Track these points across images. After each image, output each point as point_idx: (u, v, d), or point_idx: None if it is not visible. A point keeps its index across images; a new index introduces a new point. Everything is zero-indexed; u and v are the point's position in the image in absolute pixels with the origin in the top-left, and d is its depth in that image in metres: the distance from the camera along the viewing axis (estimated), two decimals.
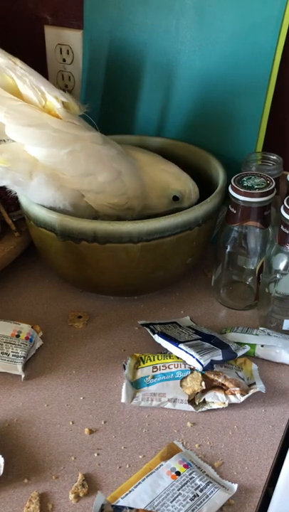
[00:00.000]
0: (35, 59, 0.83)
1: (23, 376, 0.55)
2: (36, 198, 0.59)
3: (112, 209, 0.61)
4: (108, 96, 0.78)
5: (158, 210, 0.64)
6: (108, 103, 0.78)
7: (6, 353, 0.56)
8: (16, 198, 0.61)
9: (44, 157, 0.57)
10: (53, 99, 0.56)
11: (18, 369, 0.55)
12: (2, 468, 0.46)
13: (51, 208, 0.59)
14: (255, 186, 0.58)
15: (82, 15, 0.76)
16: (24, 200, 0.60)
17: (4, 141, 0.58)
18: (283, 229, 0.55)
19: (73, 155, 0.57)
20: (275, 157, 0.66)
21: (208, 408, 0.52)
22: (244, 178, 0.59)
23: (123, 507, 0.39)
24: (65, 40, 0.80)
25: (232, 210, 0.59)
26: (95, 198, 0.60)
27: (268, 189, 0.57)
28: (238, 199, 0.58)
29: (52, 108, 0.56)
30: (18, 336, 0.58)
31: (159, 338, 0.57)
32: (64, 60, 0.82)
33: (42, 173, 0.57)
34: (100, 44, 0.76)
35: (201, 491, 0.44)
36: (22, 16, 0.82)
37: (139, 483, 0.45)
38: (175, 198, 0.64)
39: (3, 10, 0.82)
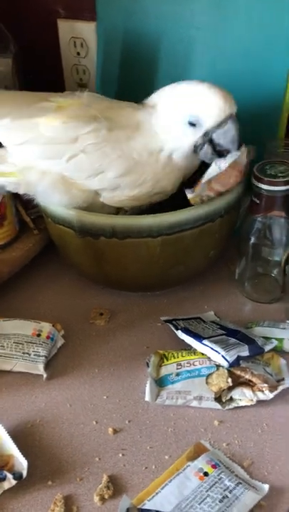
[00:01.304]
0: (50, 53, 0.82)
1: (45, 376, 0.54)
2: (51, 202, 0.58)
3: (135, 201, 0.58)
4: (124, 88, 0.76)
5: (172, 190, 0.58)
6: (124, 95, 0.76)
7: (28, 353, 0.55)
8: None
9: (48, 166, 0.55)
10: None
11: (39, 369, 0.54)
12: (26, 471, 0.45)
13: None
14: (279, 174, 0.55)
15: (94, 6, 0.74)
16: None
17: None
18: None
19: (74, 159, 0.54)
20: None
21: (236, 405, 0.50)
22: (267, 166, 0.57)
23: (149, 510, 0.38)
24: (78, 33, 0.79)
25: (255, 200, 0.57)
26: (111, 196, 0.57)
27: None
28: (261, 188, 0.56)
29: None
30: (39, 335, 0.57)
31: (183, 334, 0.55)
32: (78, 54, 0.80)
33: (49, 180, 0.56)
34: (114, 35, 0.74)
35: (231, 492, 0.42)
36: (34, 10, 0.81)
37: (165, 485, 0.43)
38: (191, 124, 0.55)
39: (16, 5, 0.81)
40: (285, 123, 0.68)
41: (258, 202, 0.57)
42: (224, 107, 0.55)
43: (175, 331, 0.56)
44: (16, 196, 0.70)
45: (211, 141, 0.56)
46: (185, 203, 0.55)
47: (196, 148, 0.56)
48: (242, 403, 0.50)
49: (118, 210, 0.60)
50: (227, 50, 0.68)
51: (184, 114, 0.55)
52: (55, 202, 0.57)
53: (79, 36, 0.79)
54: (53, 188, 0.56)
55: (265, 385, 0.50)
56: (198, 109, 0.54)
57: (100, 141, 0.54)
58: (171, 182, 0.57)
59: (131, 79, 0.76)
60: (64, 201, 0.57)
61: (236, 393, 0.50)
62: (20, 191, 0.58)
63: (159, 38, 0.72)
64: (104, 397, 0.52)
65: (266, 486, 0.44)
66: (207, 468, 0.44)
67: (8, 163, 0.56)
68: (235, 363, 0.51)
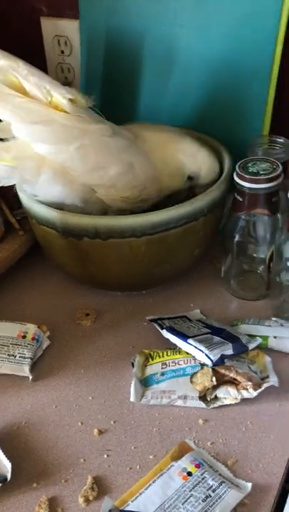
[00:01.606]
0: (34, 53, 0.82)
1: (30, 378, 0.54)
2: (45, 195, 0.57)
3: (125, 203, 0.59)
4: (109, 86, 0.76)
5: (173, 189, 0.62)
6: (109, 93, 0.76)
7: (13, 355, 0.55)
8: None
9: (52, 154, 0.55)
10: (59, 96, 0.54)
11: (25, 371, 0.54)
12: (10, 474, 0.45)
13: (61, 204, 0.57)
14: (261, 172, 0.55)
15: (77, 4, 0.74)
16: (25, 198, 0.59)
17: (8, 139, 0.56)
18: None
19: (82, 150, 0.55)
20: (282, 140, 0.63)
21: (220, 404, 0.51)
22: (249, 164, 0.57)
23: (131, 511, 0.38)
24: (62, 32, 0.78)
25: (238, 197, 0.57)
26: (106, 193, 0.58)
27: (274, 174, 0.55)
28: (243, 186, 0.56)
29: (58, 103, 0.54)
30: (24, 337, 0.57)
31: (168, 333, 0.55)
32: (62, 52, 0.80)
33: (49, 170, 0.55)
34: (97, 33, 0.74)
35: (214, 491, 0.43)
36: (17, 9, 0.80)
37: (149, 486, 0.43)
38: (190, 178, 0.61)
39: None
40: (269, 120, 0.68)
41: (241, 200, 0.57)
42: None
43: (160, 330, 0.56)
44: (1, 197, 0.70)
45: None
46: None
47: None
48: (226, 402, 0.51)
49: (108, 211, 0.60)
50: (210, 47, 0.68)
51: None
52: (53, 194, 0.57)
53: (63, 34, 0.79)
54: (54, 179, 0.56)
55: (250, 383, 0.50)
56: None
57: (107, 138, 0.56)
58: (157, 193, 0.60)
59: (115, 77, 0.75)
60: (63, 193, 0.56)
61: (221, 392, 0.51)
62: (14, 181, 0.56)
63: (142, 35, 0.71)
64: (90, 398, 0.53)
65: (249, 485, 0.44)
66: (191, 468, 0.44)
67: (4, 148, 0.55)
68: (219, 362, 0.51)
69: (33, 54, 0.81)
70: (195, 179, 0.62)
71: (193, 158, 0.61)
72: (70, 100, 0.55)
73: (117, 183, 0.58)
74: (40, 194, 0.58)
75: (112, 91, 0.76)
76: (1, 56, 0.54)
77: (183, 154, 0.61)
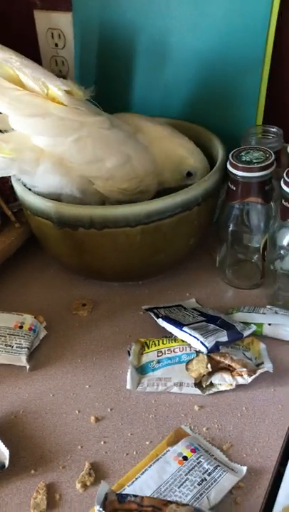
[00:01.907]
0: (28, 46, 0.82)
1: (28, 367, 0.55)
2: (43, 186, 0.58)
3: (122, 194, 0.60)
4: (103, 79, 0.76)
5: (170, 184, 0.63)
6: (103, 86, 0.77)
7: (10, 345, 0.55)
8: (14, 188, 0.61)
9: (50, 146, 0.56)
10: (55, 88, 0.55)
11: (22, 360, 0.55)
12: (8, 461, 0.45)
13: (59, 195, 0.58)
14: (254, 160, 0.56)
15: None
16: (19, 190, 0.60)
17: (7, 131, 0.57)
18: (285, 203, 0.53)
19: (80, 142, 0.56)
20: (275, 129, 0.63)
21: (216, 390, 0.51)
22: (242, 153, 0.57)
23: (127, 495, 0.38)
24: (55, 24, 0.79)
25: (232, 186, 0.58)
26: (104, 185, 0.58)
27: (267, 163, 0.55)
28: (236, 175, 0.56)
29: (55, 95, 0.55)
30: (21, 327, 0.57)
31: (163, 321, 0.56)
32: (56, 45, 0.80)
33: (48, 161, 0.56)
34: (90, 26, 0.74)
35: (209, 474, 0.43)
36: (11, 2, 0.80)
37: (145, 470, 0.44)
38: (188, 174, 0.62)
39: None
40: (262, 109, 0.68)
41: (234, 189, 0.57)
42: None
43: (156, 319, 0.57)
44: None
45: None
46: None
47: None
48: (222, 388, 0.51)
49: (106, 201, 0.60)
50: (202, 39, 0.68)
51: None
52: (51, 184, 0.57)
53: (56, 27, 0.79)
54: (53, 169, 0.56)
55: (244, 369, 0.51)
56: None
57: (104, 130, 0.57)
58: (156, 186, 0.61)
59: (109, 69, 0.76)
60: (62, 184, 0.57)
61: (216, 378, 0.51)
62: (12, 172, 0.56)
63: (135, 28, 0.72)
64: (87, 387, 0.53)
65: (244, 468, 0.44)
66: (186, 453, 0.45)
67: (3, 140, 0.55)
68: (214, 349, 0.51)
69: (27, 47, 0.81)
70: (193, 177, 0.62)
71: (192, 154, 0.62)
72: (67, 92, 0.55)
73: (114, 175, 0.58)
74: (38, 185, 0.58)
75: (106, 83, 0.76)
76: None
77: (183, 148, 0.62)
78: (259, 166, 0.55)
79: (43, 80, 0.54)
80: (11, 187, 0.62)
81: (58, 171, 0.57)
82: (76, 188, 0.58)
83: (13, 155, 0.55)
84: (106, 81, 0.76)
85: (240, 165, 0.55)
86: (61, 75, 0.82)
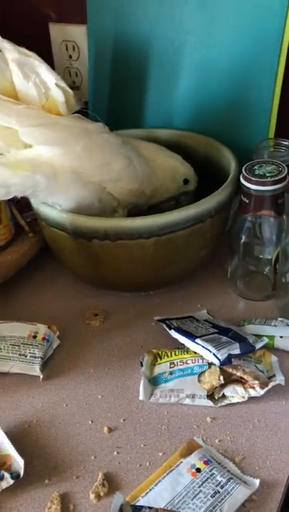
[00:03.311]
0: (42, 57, 0.83)
1: (41, 377, 0.55)
2: (64, 199, 0.58)
3: (130, 196, 0.62)
4: (116, 90, 0.77)
5: (169, 194, 0.66)
6: (116, 97, 0.78)
7: (24, 355, 0.56)
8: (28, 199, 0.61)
9: (61, 155, 0.56)
10: (59, 91, 0.55)
11: (36, 370, 0.55)
12: (22, 470, 0.46)
13: (77, 207, 0.58)
14: (267, 174, 0.56)
15: (85, 9, 0.75)
16: (34, 201, 0.60)
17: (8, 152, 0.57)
18: None
19: (88, 148, 0.57)
20: (287, 143, 0.64)
21: (228, 402, 0.51)
22: (255, 167, 0.58)
23: (142, 507, 0.39)
24: (69, 36, 0.80)
25: (244, 199, 0.58)
26: (114, 187, 0.60)
27: (280, 176, 0.56)
28: (249, 188, 0.57)
29: (53, 106, 0.56)
30: (35, 337, 0.58)
31: (176, 333, 0.56)
32: (70, 57, 0.81)
33: (67, 172, 0.57)
34: (105, 38, 0.75)
35: (222, 487, 0.44)
36: (26, 14, 0.81)
37: (159, 482, 0.44)
38: (185, 181, 0.66)
39: (7, 9, 0.82)
40: (274, 123, 0.69)
41: (247, 201, 0.58)
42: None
43: (168, 330, 0.57)
44: (10, 200, 0.71)
45: None
46: None
47: None
48: (234, 400, 0.51)
49: (117, 206, 0.62)
50: (216, 51, 0.69)
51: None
52: (73, 196, 0.57)
53: (70, 39, 0.80)
54: (72, 180, 0.57)
55: (256, 381, 0.51)
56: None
57: (106, 135, 0.59)
58: (154, 192, 0.64)
59: (123, 80, 0.77)
60: (85, 194, 0.58)
61: (228, 390, 0.51)
62: (29, 191, 0.55)
63: (148, 40, 0.72)
64: (100, 397, 0.54)
65: (257, 481, 0.45)
66: (199, 465, 0.45)
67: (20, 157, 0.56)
68: (226, 361, 0.52)
69: (42, 58, 0.83)
70: (189, 184, 0.66)
71: (183, 164, 0.66)
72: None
73: (122, 176, 0.60)
74: (58, 200, 0.57)
75: (120, 95, 0.77)
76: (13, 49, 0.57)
77: (174, 160, 0.65)
78: (272, 179, 0.56)
79: (48, 86, 0.56)
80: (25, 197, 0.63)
81: (79, 182, 0.57)
82: (95, 196, 0.59)
83: (31, 170, 0.55)
84: (119, 92, 0.77)
85: (253, 178, 0.56)
86: (75, 86, 0.83)
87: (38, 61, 0.57)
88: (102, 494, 0.45)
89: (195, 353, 0.54)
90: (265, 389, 0.51)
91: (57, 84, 0.55)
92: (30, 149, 0.56)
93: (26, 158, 0.55)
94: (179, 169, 0.65)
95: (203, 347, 0.53)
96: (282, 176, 0.56)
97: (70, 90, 0.57)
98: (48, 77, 0.56)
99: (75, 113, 0.58)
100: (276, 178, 0.56)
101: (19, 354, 0.56)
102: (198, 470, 0.45)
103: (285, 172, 0.57)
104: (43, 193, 0.56)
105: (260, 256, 0.62)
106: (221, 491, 0.43)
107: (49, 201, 0.58)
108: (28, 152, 0.56)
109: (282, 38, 0.65)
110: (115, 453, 0.48)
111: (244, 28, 0.67)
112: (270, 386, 0.51)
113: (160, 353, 0.56)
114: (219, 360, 0.51)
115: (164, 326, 0.58)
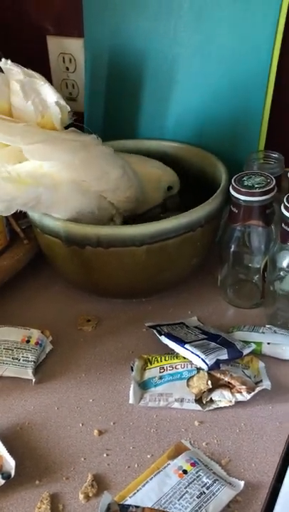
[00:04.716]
0: (40, 69, 0.85)
1: (34, 380, 0.56)
2: (64, 210, 0.59)
3: (128, 202, 0.64)
4: (111, 102, 0.79)
5: (154, 202, 0.68)
6: (112, 109, 0.79)
7: (17, 358, 0.57)
8: None
9: (61, 169, 0.58)
10: (58, 109, 0.57)
11: (28, 373, 0.56)
12: (13, 471, 0.47)
13: (77, 216, 0.59)
14: (256, 185, 0.58)
15: (82, 23, 0.77)
16: None
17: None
18: (285, 227, 0.56)
19: (86, 160, 0.59)
20: (276, 155, 0.66)
21: (216, 407, 0.53)
22: (244, 178, 0.59)
23: (129, 505, 0.40)
24: (67, 49, 0.82)
25: (234, 209, 0.60)
26: (114, 195, 0.62)
27: (268, 188, 0.58)
28: (239, 199, 0.58)
29: (48, 122, 0.57)
30: (28, 342, 0.59)
31: (166, 339, 0.57)
32: (67, 69, 0.83)
33: (67, 183, 0.58)
34: (101, 51, 0.77)
35: (208, 488, 0.45)
36: (24, 27, 0.84)
37: (146, 482, 0.46)
38: (169, 188, 0.69)
39: (6, 21, 0.84)
40: (264, 135, 0.71)
41: (236, 212, 0.59)
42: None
43: (159, 336, 0.59)
44: None
45: None
46: None
47: None
48: (221, 404, 0.53)
49: (115, 214, 0.64)
50: (209, 64, 0.71)
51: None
52: (73, 205, 0.59)
53: (67, 52, 0.82)
54: (72, 190, 0.59)
55: (244, 386, 0.52)
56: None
57: (100, 146, 0.61)
58: (141, 202, 0.66)
59: (118, 92, 0.78)
60: (81, 205, 0.59)
61: (216, 395, 0.53)
62: (30, 204, 0.57)
63: (143, 53, 0.75)
64: (91, 400, 0.55)
65: (242, 483, 0.46)
66: (186, 466, 0.47)
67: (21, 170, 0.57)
68: (214, 366, 0.53)
69: (39, 70, 0.84)
70: (172, 189, 0.68)
71: (166, 171, 0.68)
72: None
73: (119, 185, 0.62)
74: (58, 210, 0.59)
75: (115, 106, 0.79)
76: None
77: (157, 169, 0.68)
78: (260, 190, 0.57)
79: (47, 104, 0.57)
80: None
81: (79, 192, 0.59)
82: (94, 205, 0.61)
83: (34, 183, 0.56)
84: (114, 104, 0.79)
85: (242, 189, 0.58)
86: (71, 97, 0.85)
87: (42, 81, 0.58)
88: (90, 495, 0.46)
89: (184, 358, 0.55)
90: (252, 394, 0.52)
91: (57, 103, 0.57)
92: (28, 162, 0.57)
93: (27, 172, 0.57)
94: (161, 178, 0.68)
95: (192, 352, 0.54)
96: (270, 187, 0.58)
97: (67, 107, 0.58)
98: (49, 96, 0.57)
99: (68, 126, 0.60)
100: (264, 189, 0.57)
101: (12, 358, 0.57)
102: (185, 472, 0.46)
103: (273, 183, 0.58)
104: (44, 204, 0.58)
105: (250, 265, 0.64)
106: (206, 491, 0.44)
107: (49, 213, 0.59)
108: (27, 165, 0.58)
109: (272, 50, 0.67)
110: (105, 455, 0.49)
111: (236, 42, 0.69)
112: (256, 391, 0.52)
113: (150, 358, 0.57)
114: (207, 365, 0.53)
115: (155, 332, 0.60)
